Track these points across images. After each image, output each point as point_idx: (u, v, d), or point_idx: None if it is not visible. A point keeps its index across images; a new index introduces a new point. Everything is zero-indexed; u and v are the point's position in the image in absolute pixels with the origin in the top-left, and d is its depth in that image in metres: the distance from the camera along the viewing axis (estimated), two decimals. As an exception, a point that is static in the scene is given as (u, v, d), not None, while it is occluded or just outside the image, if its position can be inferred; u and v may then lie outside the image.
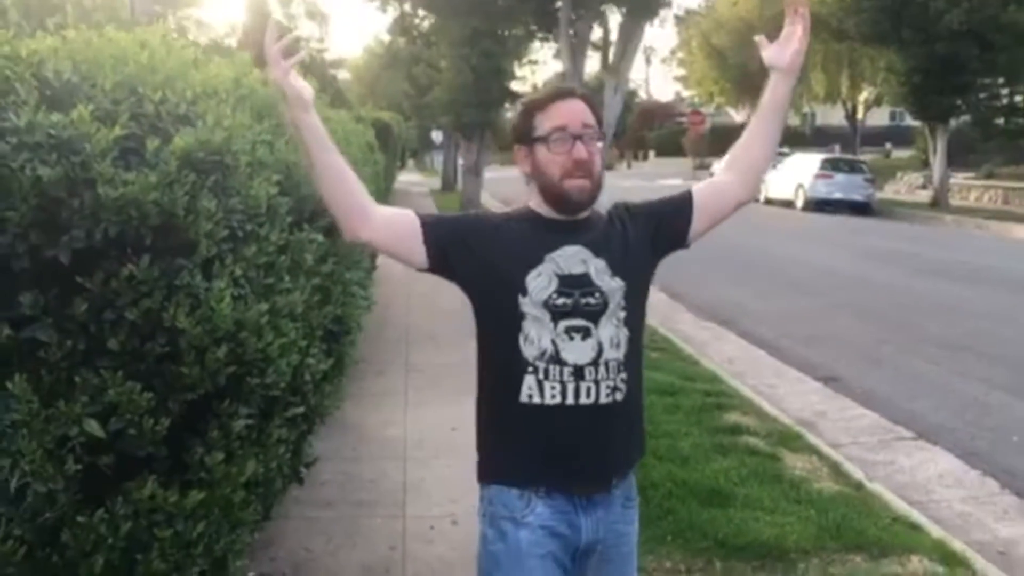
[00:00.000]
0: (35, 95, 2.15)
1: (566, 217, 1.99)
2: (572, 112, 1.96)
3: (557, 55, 20.22)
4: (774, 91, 2.14)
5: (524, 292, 1.93)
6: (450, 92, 21.11)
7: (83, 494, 2.26)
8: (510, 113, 38.46)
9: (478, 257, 1.98)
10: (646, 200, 2.17)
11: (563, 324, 1.92)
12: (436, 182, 34.22)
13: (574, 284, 1.94)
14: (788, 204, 25.06)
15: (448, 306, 9.61)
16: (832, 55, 32.87)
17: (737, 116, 46.76)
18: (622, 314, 1.97)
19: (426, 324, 8.61)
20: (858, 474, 4.82)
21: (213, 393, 2.41)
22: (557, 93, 2.03)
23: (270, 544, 3.72)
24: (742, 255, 13.93)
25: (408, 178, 35.05)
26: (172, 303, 2.28)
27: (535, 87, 31.78)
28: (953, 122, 25.78)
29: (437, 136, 38.10)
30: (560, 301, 1.93)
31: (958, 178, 26.95)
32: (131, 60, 2.47)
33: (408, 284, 8.95)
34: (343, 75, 31.76)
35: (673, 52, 52.91)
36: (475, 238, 2.00)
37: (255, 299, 2.52)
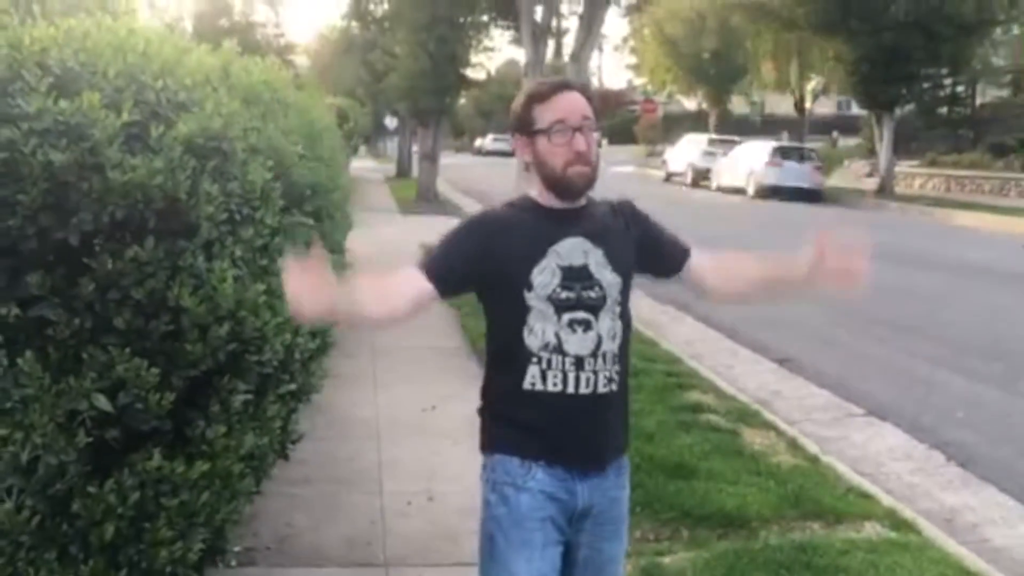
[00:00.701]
0: (45, 83, 2.23)
1: (566, 205, 2.10)
2: (572, 105, 2.05)
3: (513, 42, 20.31)
4: (791, 277, 2.21)
5: (530, 288, 2.03)
6: (407, 78, 21.10)
7: (90, 466, 2.36)
8: (463, 100, 38.47)
9: (485, 264, 2.06)
10: (651, 216, 2.28)
11: (567, 317, 2.04)
12: (390, 168, 34.12)
13: (575, 277, 2.05)
14: (739, 191, 25.50)
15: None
16: (782, 44, 33.42)
17: (689, 104, 47.24)
18: (617, 308, 2.10)
19: (390, 309, 8.71)
20: (813, 448, 5.05)
21: (214, 369, 2.52)
22: (557, 85, 2.10)
23: (253, 519, 3.81)
24: (696, 241, 14.13)
25: (361, 164, 34.85)
26: (176, 283, 2.38)
27: (489, 75, 31.88)
28: (898, 111, 26.40)
29: (390, 122, 37.85)
30: (564, 295, 2.04)
31: (903, 166, 27.62)
32: (129, 49, 2.55)
33: (368, 271, 9.02)
34: (301, 60, 31.45)
35: (625, 40, 53.23)
36: (480, 251, 2.07)
37: (251, 280, 2.63)
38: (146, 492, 2.37)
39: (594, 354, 2.05)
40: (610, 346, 2.07)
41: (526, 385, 2.05)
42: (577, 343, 2.04)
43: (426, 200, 21.06)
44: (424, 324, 8.21)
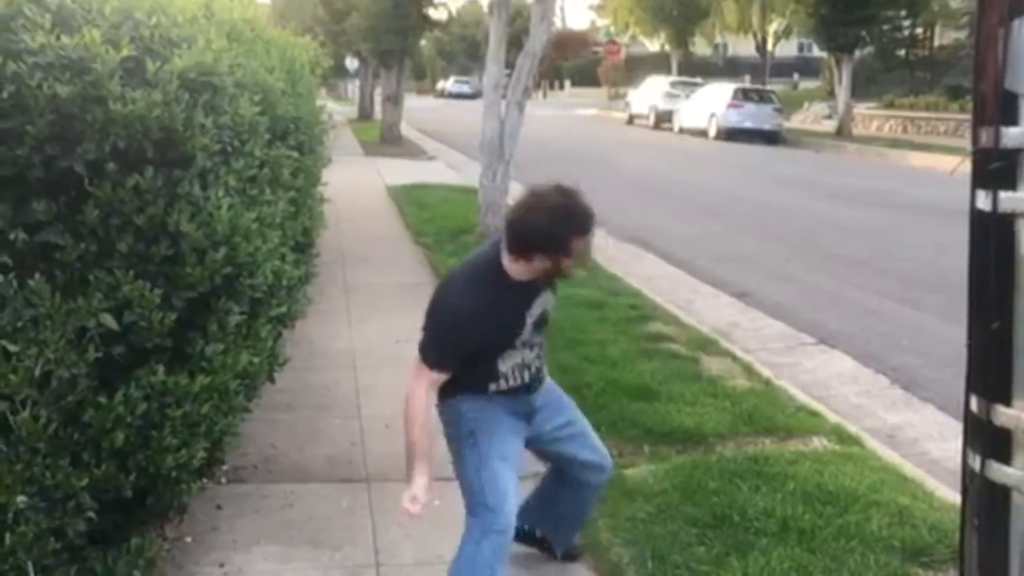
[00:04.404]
0: (46, 19, 2.35)
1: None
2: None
3: (476, -18, 20.09)
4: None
5: (515, 346, 2.64)
6: (368, 18, 20.87)
7: (98, 381, 2.53)
8: (424, 42, 38.00)
9: (478, 343, 2.57)
10: None
11: (530, 344, 2.67)
12: (352, 110, 33.78)
13: (541, 321, 2.68)
14: (701, 133, 25.70)
15: (374, 233, 9.87)
16: (744, -15, 33.41)
17: (652, 46, 47.08)
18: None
19: (357, 248, 8.86)
20: (767, 373, 5.35)
21: (211, 291, 2.70)
22: (591, 221, 2.53)
23: (239, 442, 4.02)
24: (659, 182, 14.47)
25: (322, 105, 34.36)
26: (175, 210, 2.54)
27: (451, 15, 31.47)
28: (857, 53, 26.64)
29: (351, 63, 37.29)
30: (532, 333, 2.66)
31: (861, 108, 27.95)
32: (123, -13, 2.67)
33: (336, 211, 9.14)
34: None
35: (588, -20, 52.71)
36: (473, 338, 2.54)
37: (243, 208, 2.79)
38: (152, 403, 2.55)
39: (538, 355, 2.73)
40: (541, 345, 2.74)
41: (490, 389, 2.65)
42: (531, 356, 2.70)
43: (389, 142, 21.01)
44: (392, 262, 8.40)
